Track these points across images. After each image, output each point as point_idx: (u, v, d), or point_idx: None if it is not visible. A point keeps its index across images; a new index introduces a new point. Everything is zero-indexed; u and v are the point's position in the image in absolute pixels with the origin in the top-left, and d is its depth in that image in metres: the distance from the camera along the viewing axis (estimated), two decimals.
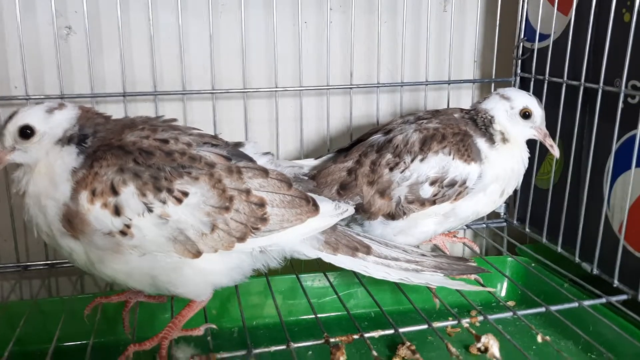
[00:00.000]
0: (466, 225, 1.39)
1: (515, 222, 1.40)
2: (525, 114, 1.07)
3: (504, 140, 1.07)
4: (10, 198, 1.17)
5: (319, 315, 0.96)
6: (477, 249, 1.27)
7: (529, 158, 1.12)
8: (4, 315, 1.02)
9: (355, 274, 1.17)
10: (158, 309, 1.06)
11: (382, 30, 1.31)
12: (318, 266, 1.20)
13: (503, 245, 1.39)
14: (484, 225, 1.42)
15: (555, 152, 1.09)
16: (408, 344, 0.88)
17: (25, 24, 1.15)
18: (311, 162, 1.17)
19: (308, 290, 1.10)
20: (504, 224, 1.43)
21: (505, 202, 1.41)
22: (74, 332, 1.07)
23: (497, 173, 1.06)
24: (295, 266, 1.17)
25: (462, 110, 1.13)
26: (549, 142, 1.09)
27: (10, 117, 0.83)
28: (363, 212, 1.07)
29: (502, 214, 1.43)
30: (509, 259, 1.30)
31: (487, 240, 1.43)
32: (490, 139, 1.07)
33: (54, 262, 1.21)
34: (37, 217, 0.82)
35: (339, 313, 1.20)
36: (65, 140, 0.83)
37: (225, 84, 1.27)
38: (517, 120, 1.07)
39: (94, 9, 1.20)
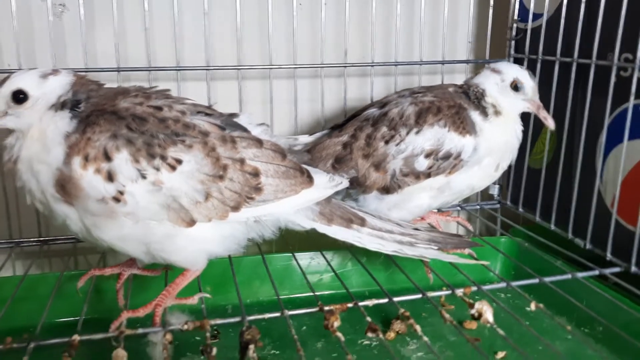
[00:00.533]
0: (460, 207, 1.40)
1: (508, 203, 1.41)
2: (516, 86, 1.08)
3: (497, 113, 1.07)
4: (3, 174, 1.16)
5: (314, 293, 0.96)
6: (470, 228, 1.27)
7: (523, 138, 1.12)
8: None
9: (351, 252, 1.18)
10: (152, 281, 1.06)
11: (376, 12, 1.31)
12: (314, 246, 1.21)
13: (497, 226, 1.39)
14: (478, 207, 1.43)
15: (550, 123, 1.09)
16: (402, 310, 0.87)
17: (19, 2, 1.14)
18: (306, 139, 1.17)
19: (304, 269, 1.10)
20: (498, 205, 1.43)
21: (498, 184, 1.42)
22: (66, 307, 1.07)
23: (491, 146, 1.06)
24: (291, 244, 1.17)
25: (455, 85, 1.14)
26: (542, 114, 1.09)
27: (3, 82, 0.83)
28: (358, 185, 1.07)
29: (496, 195, 1.44)
30: (503, 239, 1.31)
31: (480, 221, 1.44)
32: (484, 112, 1.07)
33: (46, 238, 1.20)
34: (30, 183, 0.82)
35: (334, 291, 1.21)
36: (59, 105, 0.82)
37: (220, 63, 1.27)
38: (508, 93, 1.08)
39: None
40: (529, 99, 1.09)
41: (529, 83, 1.08)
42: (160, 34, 1.26)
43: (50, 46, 1.15)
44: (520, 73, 1.08)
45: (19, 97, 0.82)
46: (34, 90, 0.82)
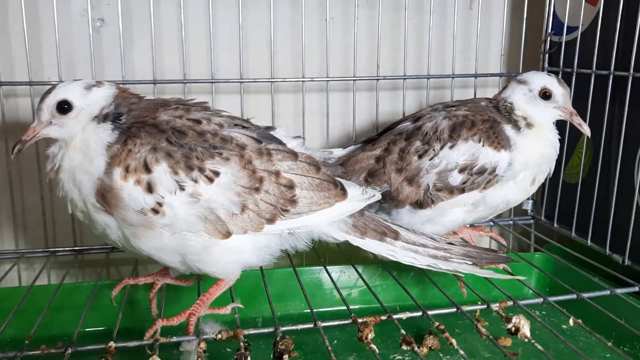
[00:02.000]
0: (492, 222, 1.38)
1: (542, 218, 1.38)
2: (545, 94, 1.06)
3: (529, 125, 1.06)
4: (41, 184, 1.19)
5: (347, 306, 0.95)
6: (504, 242, 1.25)
7: (560, 149, 1.10)
8: (30, 299, 1.02)
9: (382, 265, 1.17)
10: (185, 291, 1.06)
11: (409, 27, 1.31)
12: (345, 259, 1.20)
13: (531, 241, 1.37)
14: (511, 222, 1.41)
15: (586, 130, 1.06)
16: (437, 324, 0.86)
17: (60, 16, 1.17)
18: (339, 152, 1.16)
19: (335, 281, 1.09)
20: (531, 220, 1.41)
21: (532, 199, 1.40)
22: (100, 316, 1.08)
23: (526, 159, 1.04)
24: (322, 257, 1.17)
25: (487, 99, 1.13)
26: (576, 120, 1.07)
27: (49, 92, 0.85)
28: (391, 200, 1.07)
29: (530, 210, 1.42)
30: (537, 255, 1.28)
31: (513, 237, 1.41)
32: (516, 126, 1.06)
33: (81, 248, 1.22)
34: (71, 192, 0.83)
35: (365, 305, 1.19)
36: (102, 117, 0.84)
37: (253, 76, 1.29)
38: (538, 102, 1.06)
39: (125, 1, 1.23)
40: (560, 106, 1.07)
41: (559, 90, 1.06)
42: (195, 48, 1.28)
43: (89, 59, 1.17)
44: (547, 80, 1.07)
45: (64, 107, 0.84)
46: (78, 101, 0.84)
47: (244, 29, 1.24)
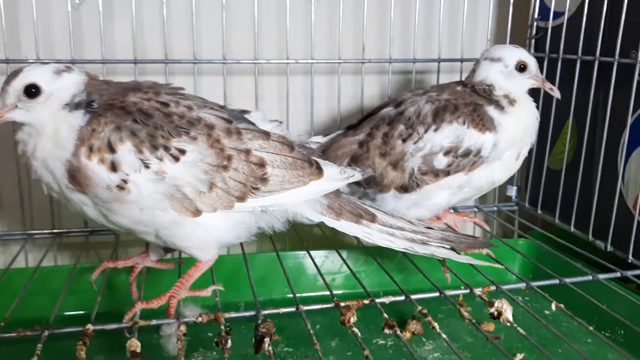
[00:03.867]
0: (477, 208, 1.38)
1: (527, 204, 1.39)
2: (521, 67, 1.07)
3: (511, 102, 1.06)
4: (17, 167, 1.16)
5: (330, 290, 0.94)
6: (487, 228, 1.25)
7: (543, 138, 1.11)
8: (6, 282, 1.00)
9: (366, 251, 1.17)
10: (165, 275, 1.05)
11: (395, 9, 1.30)
12: (330, 246, 1.20)
13: (514, 228, 1.37)
14: (495, 208, 1.41)
15: (556, 93, 1.09)
16: (419, 308, 0.86)
17: None
18: (320, 139, 1.15)
19: (319, 266, 1.08)
20: (515, 207, 1.41)
21: (516, 185, 1.40)
22: (79, 300, 1.06)
23: (512, 138, 1.05)
24: (305, 242, 1.16)
25: (460, 82, 1.13)
26: (547, 85, 1.09)
27: (15, 75, 0.82)
28: (375, 185, 1.06)
29: (514, 197, 1.42)
30: (521, 241, 1.28)
31: (497, 223, 1.41)
32: (499, 105, 1.06)
33: (60, 230, 1.20)
34: (45, 177, 0.82)
35: (349, 290, 1.19)
36: (73, 105, 0.82)
37: (237, 57, 1.27)
38: (515, 76, 1.07)
39: None
40: (533, 75, 1.08)
41: (531, 60, 1.08)
42: (178, 27, 1.25)
43: (68, 38, 1.15)
44: (520, 53, 1.08)
45: (31, 91, 0.81)
46: (47, 85, 0.82)
47: (227, 8, 1.21)
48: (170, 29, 1.24)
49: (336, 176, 0.93)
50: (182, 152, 0.81)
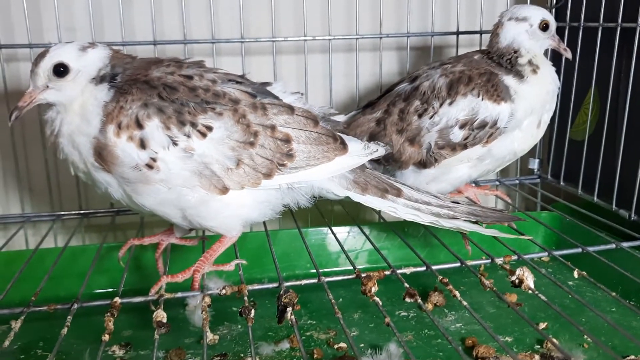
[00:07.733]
0: (498, 181, 1.37)
1: (549, 177, 1.37)
2: (545, 26, 1.05)
3: (534, 70, 1.04)
4: (45, 149, 1.19)
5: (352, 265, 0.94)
6: (509, 201, 1.24)
7: (564, 110, 1.09)
8: (36, 262, 1.02)
9: (388, 226, 1.17)
10: (190, 251, 1.06)
11: None
12: (350, 219, 1.20)
13: (537, 200, 1.36)
14: (517, 182, 1.40)
15: (568, 54, 1.09)
16: (440, 277, 0.86)
17: None
18: (339, 118, 1.15)
19: (341, 242, 1.08)
20: (538, 179, 1.40)
21: (538, 158, 1.39)
22: (106, 278, 1.09)
23: (530, 105, 1.03)
24: (326, 218, 1.17)
25: (479, 51, 1.11)
26: (562, 46, 1.08)
27: (42, 56, 0.83)
28: (394, 161, 1.06)
29: (536, 169, 1.40)
30: (544, 213, 1.27)
31: (520, 196, 1.40)
32: (518, 74, 1.04)
33: (87, 211, 1.23)
34: (72, 155, 0.83)
35: (371, 265, 1.20)
36: (99, 79, 0.84)
37: (254, 36, 1.27)
38: (538, 36, 1.06)
39: None
40: (551, 36, 1.07)
41: (552, 19, 1.07)
42: (196, 8, 1.26)
43: (88, 21, 1.16)
44: (543, 12, 1.06)
45: (60, 70, 0.82)
46: (74, 62, 0.83)
47: None
48: (189, 10, 1.24)
49: (360, 151, 0.92)
50: (209, 128, 0.81)
